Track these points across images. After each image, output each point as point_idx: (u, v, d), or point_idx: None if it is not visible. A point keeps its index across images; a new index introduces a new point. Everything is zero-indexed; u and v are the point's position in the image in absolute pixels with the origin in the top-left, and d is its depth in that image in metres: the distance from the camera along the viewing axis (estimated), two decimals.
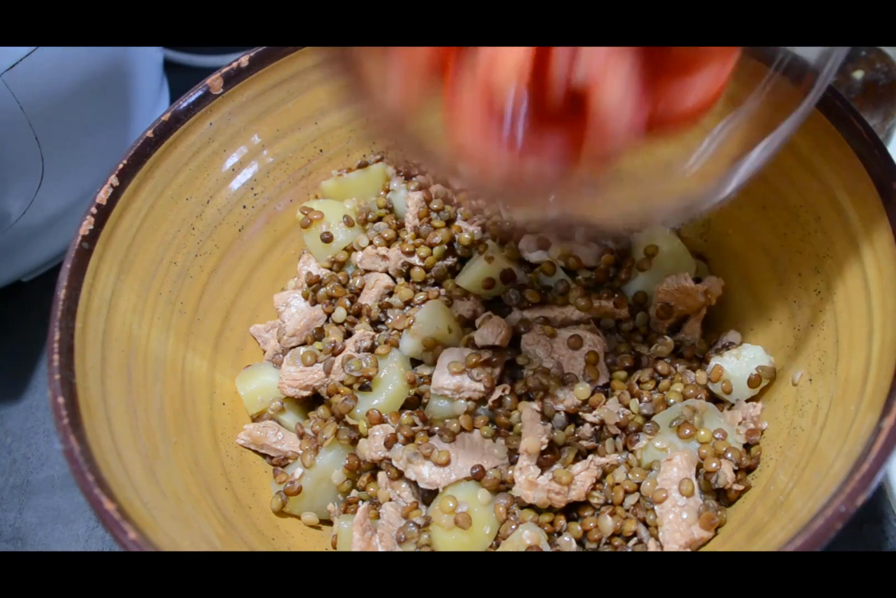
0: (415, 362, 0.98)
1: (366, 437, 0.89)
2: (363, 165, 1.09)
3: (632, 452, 0.87)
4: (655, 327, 0.97)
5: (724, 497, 0.86)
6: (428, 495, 0.89)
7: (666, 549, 0.79)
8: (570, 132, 0.49)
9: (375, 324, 1.01)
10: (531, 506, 0.84)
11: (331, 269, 1.05)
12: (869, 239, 0.83)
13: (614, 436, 0.88)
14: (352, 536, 0.83)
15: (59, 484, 1.12)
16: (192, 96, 0.97)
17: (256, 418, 1.00)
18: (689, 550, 0.79)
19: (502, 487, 0.86)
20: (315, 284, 1.01)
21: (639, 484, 0.84)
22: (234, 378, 1.01)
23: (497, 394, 0.89)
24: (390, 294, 1.02)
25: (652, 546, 0.81)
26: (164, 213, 0.96)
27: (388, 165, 1.11)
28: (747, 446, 0.88)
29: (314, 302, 1.01)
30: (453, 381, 0.88)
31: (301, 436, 0.97)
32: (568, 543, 0.81)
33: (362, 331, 0.98)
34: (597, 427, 0.88)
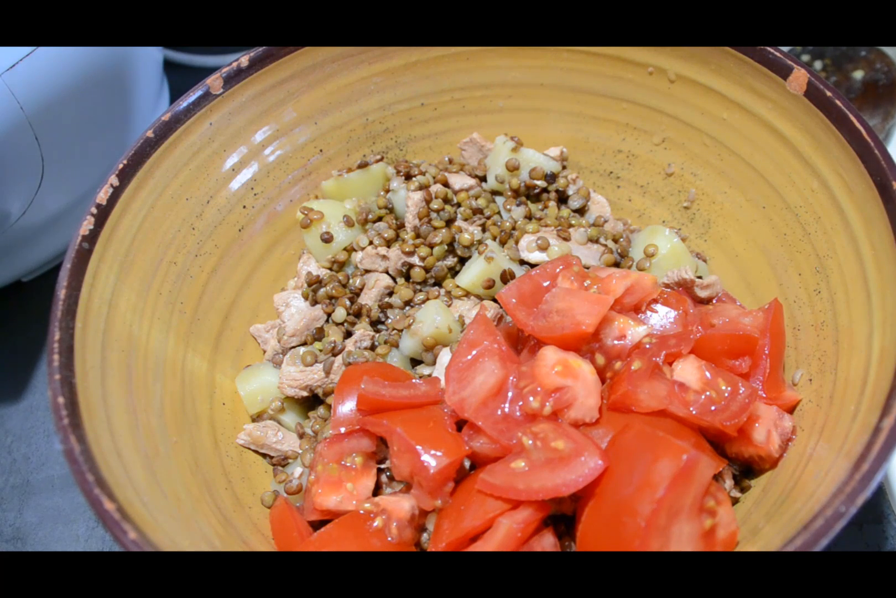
0: (415, 362, 0.99)
1: None
2: (363, 165, 1.09)
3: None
4: None
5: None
6: None
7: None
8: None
9: (375, 324, 1.01)
10: None
11: (331, 269, 1.05)
12: (869, 239, 0.83)
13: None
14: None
15: (59, 484, 1.12)
16: (192, 96, 0.97)
17: (256, 418, 1.00)
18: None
19: None
20: (315, 284, 1.01)
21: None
22: (234, 378, 1.01)
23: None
24: (390, 294, 1.02)
25: None
26: (164, 213, 0.96)
27: (388, 165, 1.11)
28: (745, 473, 0.89)
29: (314, 302, 1.01)
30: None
31: (301, 436, 0.97)
32: None
33: (362, 331, 0.98)
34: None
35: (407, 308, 1.00)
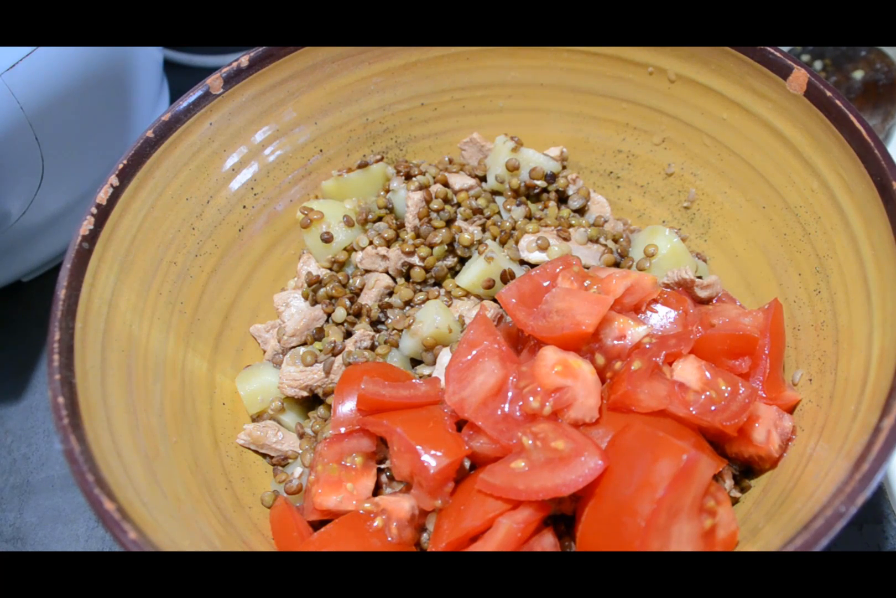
0: (415, 362, 0.99)
1: None
2: (363, 165, 1.09)
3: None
4: None
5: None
6: None
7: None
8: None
9: (375, 324, 1.01)
10: None
11: (331, 269, 1.05)
12: (869, 239, 0.83)
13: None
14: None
15: (59, 484, 1.12)
16: (192, 96, 0.97)
17: (256, 418, 1.00)
18: None
19: None
20: (315, 284, 1.01)
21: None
22: (234, 378, 1.01)
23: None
24: (390, 294, 1.02)
25: None
26: (164, 213, 0.96)
27: (388, 165, 1.11)
28: (746, 473, 0.89)
29: (314, 302, 1.01)
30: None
31: (301, 436, 0.97)
32: None
33: (362, 331, 0.98)
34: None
35: (407, 308, 1.00)
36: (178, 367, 0.94)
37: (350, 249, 1.04)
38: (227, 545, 0.81)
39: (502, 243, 1.03)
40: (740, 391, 0.81)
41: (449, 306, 0.98)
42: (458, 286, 0.99)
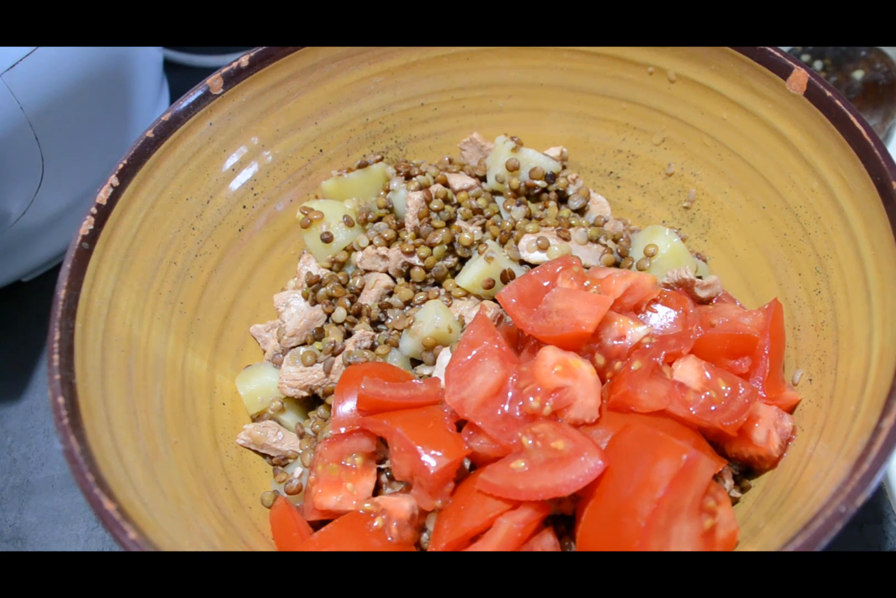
0: (415, 362, 0.99)
1: None
2: (363, 165, 1.09)
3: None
4: None
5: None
6: None
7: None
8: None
9: (375, 324, 1.01)
10: None
11: (331, 269, 1.05)
12: (869, 239, 0.83)
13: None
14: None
15: (59, 484, 1.12)
16: (192, 96, 0.97)
17: (256, 418, 1.00)
18: None
19: None
20: (315, 284, 1.01)
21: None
22: (234, 378, 1.01)
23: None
24: (390, 294, 1.02)
25: None
26: (164, 213, 0.96)
27: (388, 165, 1.11)
28: (746, 473, 0.89)
29: (314, 302, 1.01)
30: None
31: (301, 436, 0.97)
32: None
33: (362, 331, 0.98)
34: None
35: (407, 308, 1.00)
36: (178, 367, 0.94)
37: (350, 249, 1.04)
38: (227, 545, 0.81)
39: (502, 243, 1.03)
40: (740, 391, 0.81)
41: (449, 306, 0.98)
42: (458, 286, 0.99)
